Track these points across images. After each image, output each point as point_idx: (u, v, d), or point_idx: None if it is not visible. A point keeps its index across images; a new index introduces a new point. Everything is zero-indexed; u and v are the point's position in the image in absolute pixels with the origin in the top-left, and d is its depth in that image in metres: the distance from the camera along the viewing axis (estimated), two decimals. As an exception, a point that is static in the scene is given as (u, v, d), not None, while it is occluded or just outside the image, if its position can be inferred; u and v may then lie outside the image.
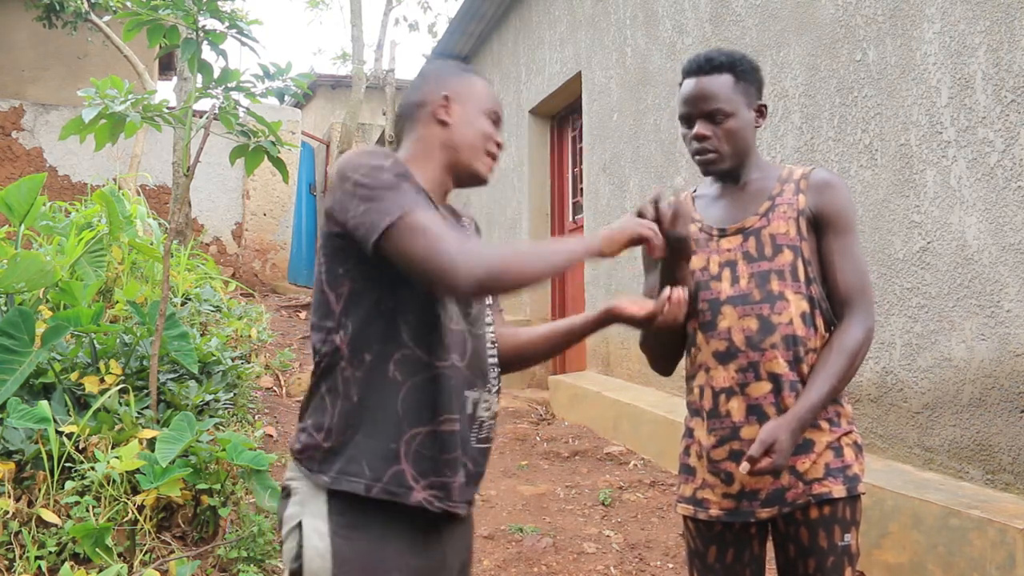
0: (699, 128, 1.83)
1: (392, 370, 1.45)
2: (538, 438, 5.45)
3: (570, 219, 7.37)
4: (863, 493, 1.78)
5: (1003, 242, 2.93)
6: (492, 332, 1.66)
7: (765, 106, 1.89)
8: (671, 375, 2.01)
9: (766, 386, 1.76)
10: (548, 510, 4.05)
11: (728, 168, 1.86)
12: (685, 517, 1.90)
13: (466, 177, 1.64)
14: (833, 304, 1.81)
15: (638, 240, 1.54)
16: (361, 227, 1.40)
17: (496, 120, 1.67)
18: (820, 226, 1.81)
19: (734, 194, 1.89)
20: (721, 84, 1.82)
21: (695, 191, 2.00)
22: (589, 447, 5.14)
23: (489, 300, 1.66)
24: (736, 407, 1.78)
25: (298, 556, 1.43)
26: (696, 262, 1.87)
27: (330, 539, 1.42)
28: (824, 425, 1.77)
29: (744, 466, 1.67)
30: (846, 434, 1.79)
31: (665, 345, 1.95)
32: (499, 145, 1.67)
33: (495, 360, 1.64)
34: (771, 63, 4.21)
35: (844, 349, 1.75)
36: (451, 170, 1.62)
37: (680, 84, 1.89)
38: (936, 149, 3.23)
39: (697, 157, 1.87)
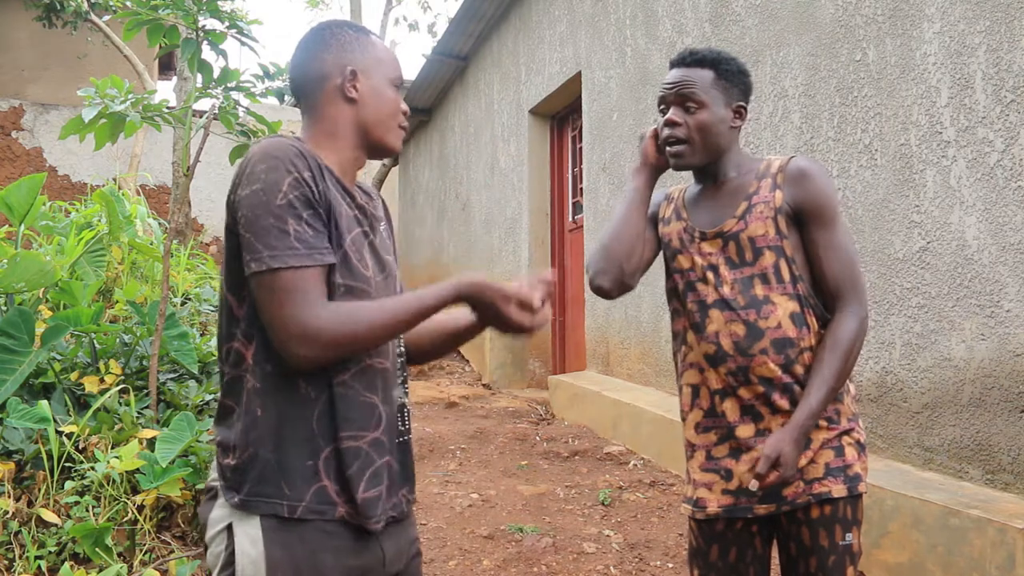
0: (672, 114, 1.84)
1: (303, 385, 1.39)
2: (538, 438, 5.45)
3: (570, 219, 7.38)
4: (864, 492, 1.77)
5: (1003, 242, 2.93)
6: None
7: (744, 107, 1.87)
8: (614, 293, 1.95)
9: (758, 388, 1.76)
10: (548, 510, 4.05)
11: (697, 163, 1.86)
12: (688, 516, 1.90)
13: (378, 152, 1.57)
14: (823, 298, 1.79)
15: (493, 305, 1.45)
16: (244, 250, 1.36)
17: (401, 83, 1.58)
18: (801, 219, 1.79)
19: (713, 194, 1.88)
20: (700, 76, 1.83)
21: (686, 189, 1.99)
22: (589, 447, 5.14)
23: (397, 283, 1.59)
24: (730, 407, 1.79)
25: (229, 562, 1.37)
26: (683, 262, 1.88)
27: (263, 546, 1.36)
28: (821, 423, 1.77)
29: (753, 484, 1.68)
30: (847, 432, 1.79)
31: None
32: (406, 114, 1.59)
33: (402, 351, 1.59)
34: (771, 63, 4.21)
35: (838, 346, 1.74)
36: (363, 146, 1.54)
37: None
38: (936, 149, 3.23)
39: (667, 147, 1.86)
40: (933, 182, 3.23)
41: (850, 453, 1.77)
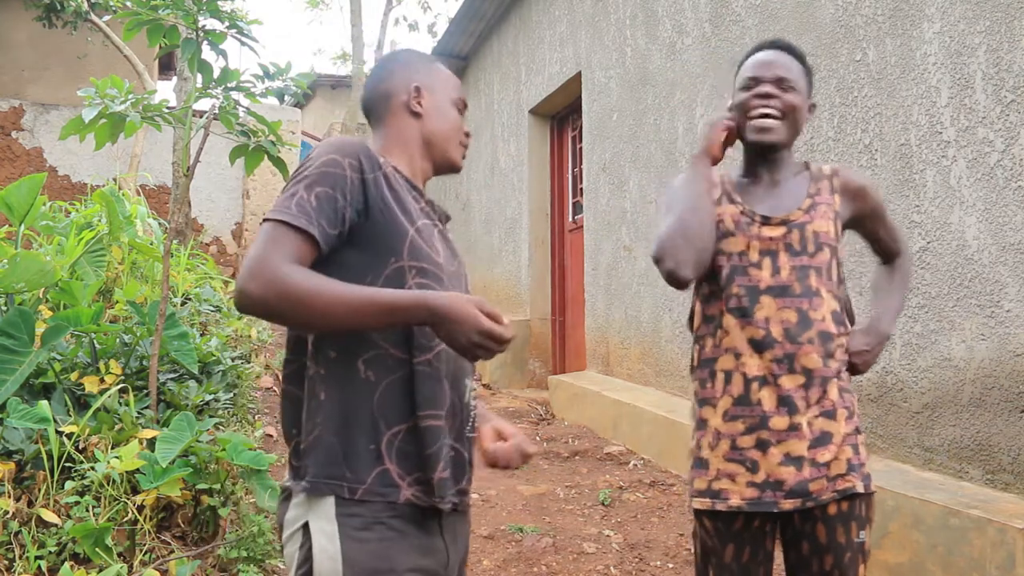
0: (768, 88, 1.85)
1: (363, 370, 1.42)
2: (538, 438, 5.45)
3: (570, 219, 7.37)
4: (875, 492, 1.80)
5: (1003, 242, 2.93)
6: None
7: (815, 105, 1.96)
8: (685, 283, 1.88)
9: (799, 379, 1.75)
10: (548, 510, 4.04)
11: (781, 141, 1.86)
12: (700, 513, 1.83)
13: (443, 166, 1.68)
14: (885, 253, 2.05)
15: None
16: None
17: (463, 109, 1.70)
18: (859, 221, 1.95)
19: (769, 187, 1.90)
20: (793, 63, 1.89)
21: (726, 176, 1.97)
22: (589, 447, 5.14)
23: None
24: (767, 396, 1.75)
25: (306, 559, 1.39)
26: (734, 245, 1.83)
27: (339, 541, 1.38)
28: (840, 415, 1.77)
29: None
30: (860, 431, 1.82)
31: None
32: (467, 135, 1.70)
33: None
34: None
35: (901, 274, 2.04)
36: (428, 158, 1.64)
37: (744, 60, 1.93)
38: (936, 149, 3.22)
39: (755, 120, 1.84)
40: (933, 182, 3.23)
41: (863, 452, 1.80)
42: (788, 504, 1.73)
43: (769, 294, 1.79)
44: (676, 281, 1.81)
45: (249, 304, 1.34)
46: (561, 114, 7.55)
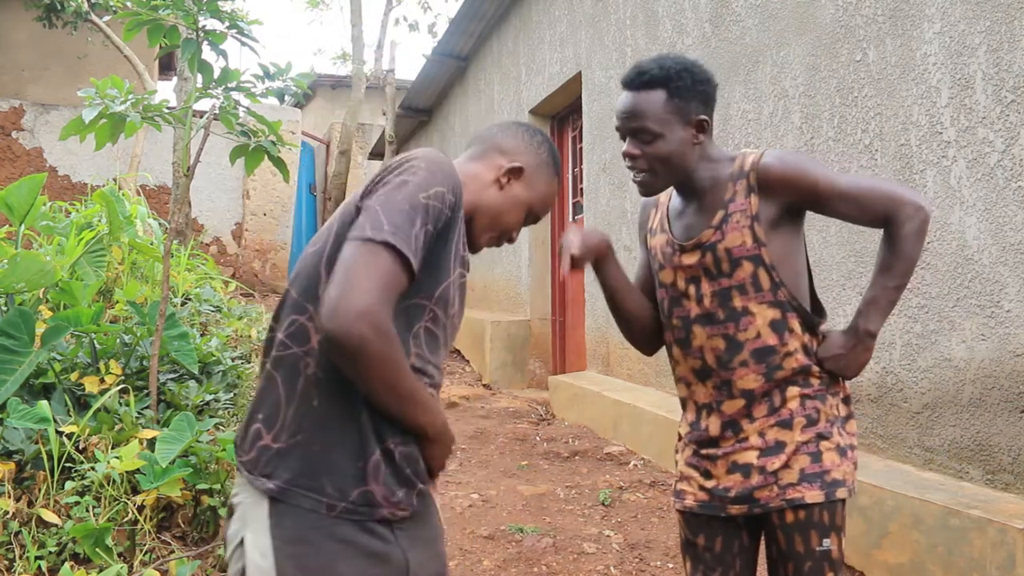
0: (627, 147, 1.80)
1: (355, 386, 1.34)
2: (538, 438, 5.45)
3: (570, 219, 7.37)
4: (844, 499, 1.74)
5: (1003, 242, 2.93)
6: None
7: (706, 120, 1.78)
8: (652, 355, 2.04)
9: (739, 402, 1.77)
10: (548, 510, 4.05)
11: (665, 187, 1.83)
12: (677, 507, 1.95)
13: (467, 232, 1.57)
14: (885, 226, 1.77)
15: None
16: (363, 216, 1.34)
17: (531, 221, 1.67)
18: (797, 209, 1.77)
19: (692, 202, 1.85)
20: (651, 102, 1.74)
21: (672, 193, 1.96)
22: (589, 447, 5.14)
23: None
24: (713, 423, 1.81)
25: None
26: (666, 276, 1.87)
27: (273, 556, 1.30)
28: (797, 424, 1.75)
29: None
30: (824, 437, 1.75)
31: (626, 320, 1.99)
32: (511, 240, 1.66)
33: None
34: (771, 63, 4.21)
35: (900, 244, 1.73)
36: (468, 220, 1.57)
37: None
38: (936, 149, 3.23)
39: (633, 177, 1.83)
40: (933, 182, 3.23)
41: (828, 459, 1.74)
42: (735, 509, 1.79)
43: (698, 323, 1.81)
44: (649, 355, 2.04)
45: (343, 338, 1.24)
46: (561, 114, 7.55)
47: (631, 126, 1.77)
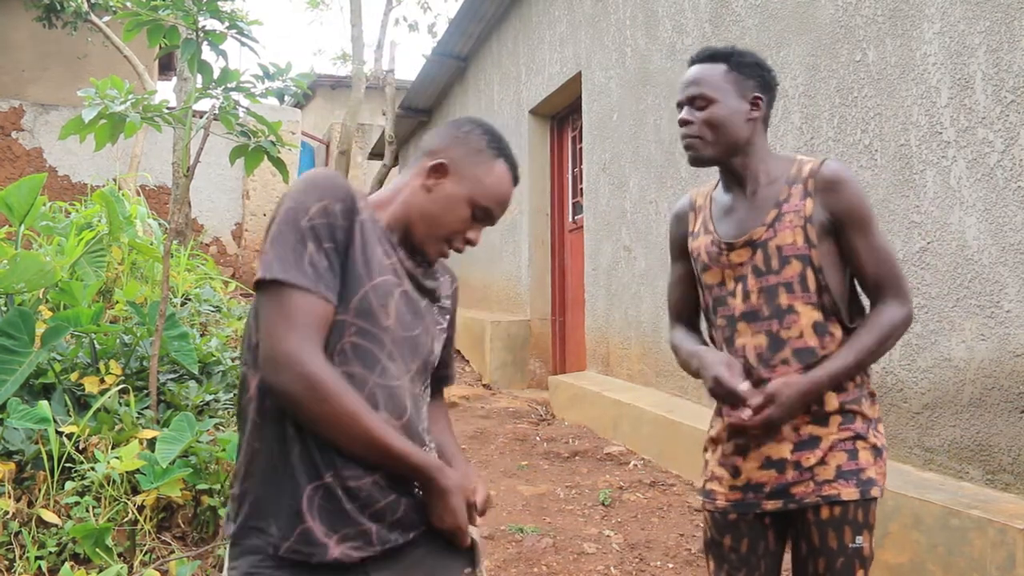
0: (683, 113, 1.85)
1: (288, 425, 1.36)
2: (538, 438, 5.45)
3: (570, 219, 7.37)
4: (877, 497, 1.76)
5: (1003, 242, 2.93)
6: (425, 394, 1.56)
7: (760, 98, 1.85)
8: None
9: None
10: (548, 510, 4.05)
11: (712, 156, 1.84)
12: (704, 507, 1.93)
13: (416, 249, 1.52)
14: (869, 296, 1.81)
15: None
16: (259, 260, 1.36)
17: (483, 216, 1.52)
18: (836, 227, 1.78)
19: (744, 201, 1.86)
20: (712, 71, 1.84)
21: (715, 187, 1.97)
22: (589, 447, 5.14)
23: (430, 366, 1.56)
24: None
25: None
26: (711, 277, 1.88)
27: None
28: (832, 422, 1.77)
29: (746, 412, 1.68)
30: (861, 437, 1.78)
31: None
32: (468, 242, 1.54)
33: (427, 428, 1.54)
34: (771, 63, 4.19)
35: (875, 327, 1.76)
36: (411, 232, 1.51)
37: None
38: (936, 149, 3.23)
39: (684, 144, 1.87)
40: (933, 182, 3.23)
41: (864, 457, 1.77)
42: (770, 505, 1.79)
43: (744, 320, 1.82)
44: None
45: (280, 395, 1.32)
46: (561, 114, 7.55)
47: (688, 93, 1.84)
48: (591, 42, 6.42)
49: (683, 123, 1.85)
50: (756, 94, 1.85)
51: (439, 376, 1.69)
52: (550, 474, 4.68)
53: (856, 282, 1.83)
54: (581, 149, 6.80)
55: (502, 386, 7.39)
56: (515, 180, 1.56)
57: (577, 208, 7.22)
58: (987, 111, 3.01)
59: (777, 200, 1.81)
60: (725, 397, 1.75)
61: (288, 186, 1.48)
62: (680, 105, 1.88)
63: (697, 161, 1.87)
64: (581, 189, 6.91)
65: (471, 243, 1.55)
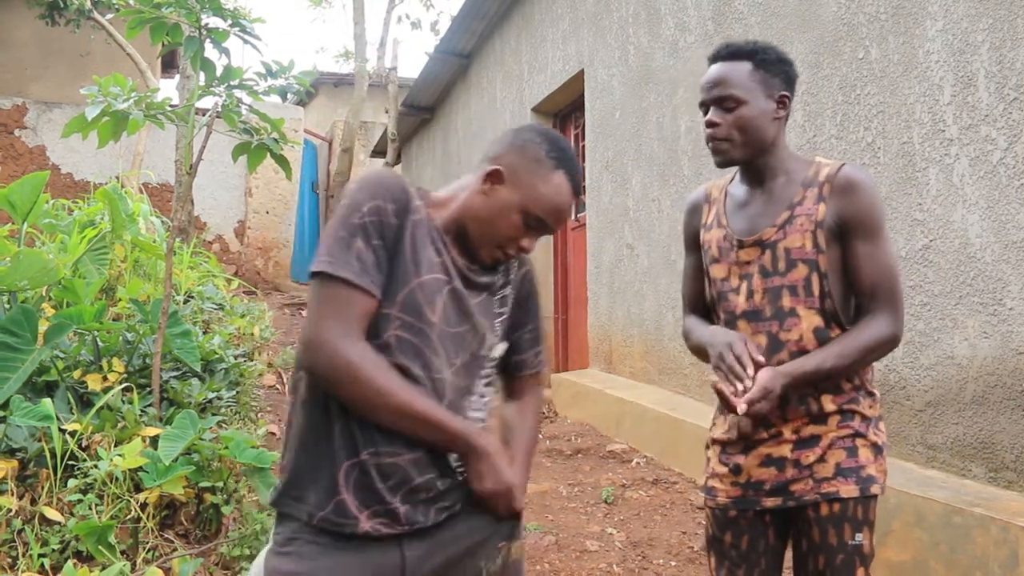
0: (711, 115, 1.82)
1: (332, 404, 1.44)
2: (541, 436, 5.45)
3: (572, 217, 7.37)
4: (877, 495, 1.76)
5: (1006, 240, 2.93)
6: (486, 392, 1.61)
7: (787, 96, 1.83)
8: None
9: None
10: (551, 508, 4.05)
11: (740, 159, 1.82)
12: (705, 504, 1.94)
13: (474, 251, 1.56)
14: (861, 308, 1.79)
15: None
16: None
17: (536, 225, 1.54)
18: (845, 232, 1.76)
19: (758, 199, 1.86)
20: (737, 71, 1.80)
21: (731, 181, 1.96)
22: (592, 445, 5.14)
23: (487, 360, 1.60)
24: (744, 421, 1.80)
25: None
26: (719, 271, 1.88)
27: (265, 557, 1.45)
28: (832, 420, 1.77)
29: (742, 407, 1.66)
30: (860, 435, 1.78)
31: None
32: (522, 249, 1.55)
33: (480, 417, 1.58)
34: (774, 61, 4.21)
35: (860, 338, 1.74)
36: (462, 233, 1.55)
37: None
38: (938, 147, 3.22)
39: (710, 146, 1.84)
40: (936, 180, 3.23)
41: (864, 455, 1.77)
42: (770, 502, 1.79)
43: (744, 319, 1.81)
44: None
45: (316, 375, 1.42)
46: (564, 112, 7.55)
47: (716, 94, 1.80)
48: (594, 40, 6.42)
49: (711, 124, 1.81)
50: (783, 92, 1.83)
51: (513, 363, 1.70)
52: (553, 472, 4.68)
53: (853, 285, 1.79)
54: (584, 147, 6.79)
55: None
56: (575, 191, 1.56)
57: (579, 206, 7.22)
58: (990, 108, 3.00)
59: (791, 202, 1.80)
60: (731, 367, 1.71)
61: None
62: (705, 105, 1.84)
63: (725, 163, 1.84)
64: (584, 187, 6.91)
65: (525, 251, 1.57)
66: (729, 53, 1.82)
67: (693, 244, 2.01)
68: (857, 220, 1.76)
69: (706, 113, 1.84)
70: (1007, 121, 2.93)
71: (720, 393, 1.71)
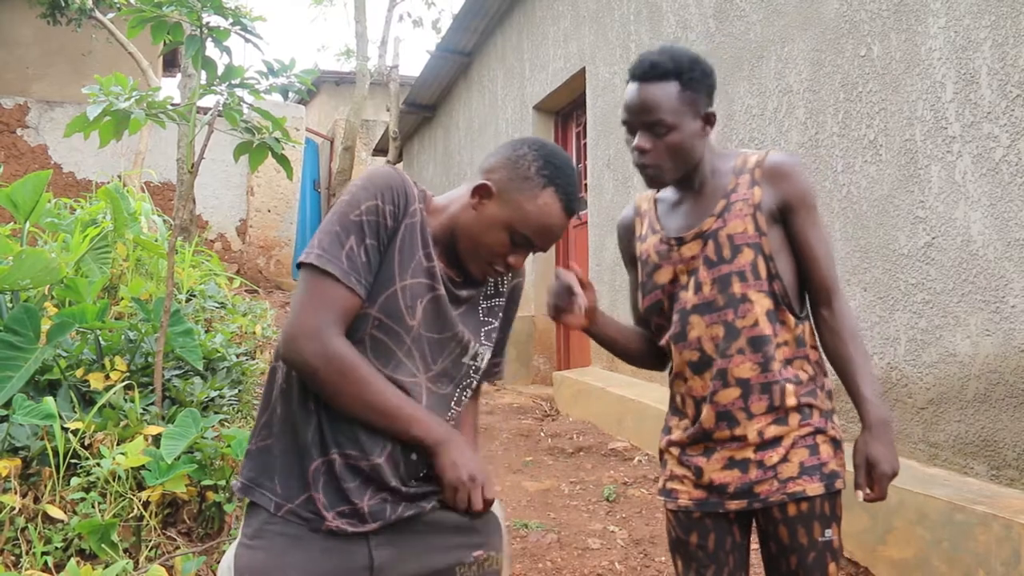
0: (639, 140, 1.76)
1: (309, 398, 1.45)
2: (543, 434, 5.45)
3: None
4: (841, 489, 1.77)
5: (1008, 237, 2.93)
6: (461, 396, 1.62)
7: (713, 114, 1.79)
8: (664, 370, 2.01)
9: (735, 392, 1.75)
10: (553, 506, 4.05)
11: (672, 180, 1.81)
12: (665, 507, 1.92)
13: (464, 265, 1.56)
14: (812, 291, 1.81)
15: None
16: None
17: (523, 242, 1.52)
18: (785, 215, 1.77)
19: (691, 198, 1.85)
20: (665, 93, 1.72)
21: (656, 195, 1.96)
22: (593, 443, 5.14)
23: (472, 370, 1.61)
24: (707, 414, 1.78)
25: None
26: (663, 276, 1.86)
27: (235, 549, 1.45)
28: (792, 419, 1.76)
29: (859, 495, 1.70)
30: (820, 431, 1.77)
31: (623, 353, 2.02)
32: (509, 266, 1.54)
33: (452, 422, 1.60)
34: (775, 58, 4.20)
35: (856, 336, 1.78)
36: (451, 244, 1.54)
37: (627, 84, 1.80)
38: (941, 144, 3.22)
39: (640, 170, 1.81)
40: (938, 177, 3.22)
41: (825, 451, 1.76)
42: (734, 505, 1.77)
43: (696, 313, 1.79)
44: (661, 370, 2.02)
45: (298, 366, 1.41)
46: (565, 110, 7.55)
47: (645, 120, 1.74)
48: (595, 38, 6.41)
49: (640, 150, 1.76)
50: (709, 110, 1.78)
51: (487, 371, 1.73)
52: (555, 470, 4.68)
53: (805, 272, 1.80)
54: (585, 145, 6.79)
55: (507, 382, 7.40)
56: (568, 210, 1.53)
57: (581, 204, 7.22)
58: (992, 106, 3.00)
59: (725, 191, 1.80)
60: (558, 294, 1.80)
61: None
62: (630, 127, 1.78)
63: (658, 186, 1.83)
64: (585, 185, 6.91)
65: (512, 267, 1.55)
66: (655, 74, 1.73)
67: (632, 262, 2.01)
68: (798, 201, 1.76)
69: (632, 134, 1.79)
70: (1009, 118, 2.93)
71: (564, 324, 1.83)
